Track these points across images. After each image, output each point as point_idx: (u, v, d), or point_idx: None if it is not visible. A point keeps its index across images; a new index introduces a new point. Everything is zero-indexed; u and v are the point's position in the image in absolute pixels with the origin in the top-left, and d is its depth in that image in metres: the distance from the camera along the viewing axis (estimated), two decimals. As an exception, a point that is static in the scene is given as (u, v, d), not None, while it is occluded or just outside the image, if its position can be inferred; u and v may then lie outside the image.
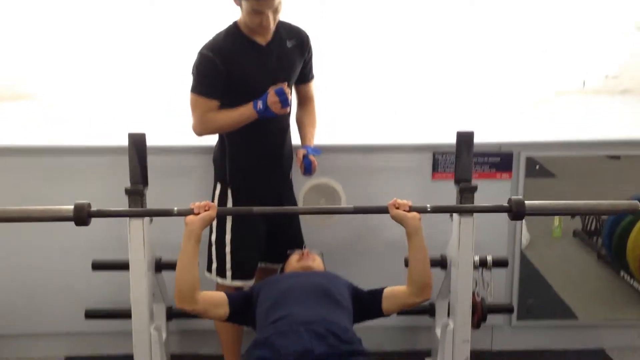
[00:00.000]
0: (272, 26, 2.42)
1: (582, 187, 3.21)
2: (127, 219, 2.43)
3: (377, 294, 2.32)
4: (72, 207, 2.17)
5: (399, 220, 2.28)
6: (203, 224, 2.22)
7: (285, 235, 2.75)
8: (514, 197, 2.29)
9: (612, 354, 3.13)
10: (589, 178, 3.13)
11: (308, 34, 2.63)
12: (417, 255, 2.29)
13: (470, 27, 3.67)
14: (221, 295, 2.27)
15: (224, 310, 2.24)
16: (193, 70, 2.48)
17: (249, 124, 2.50)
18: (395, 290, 2.32)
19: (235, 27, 2.50)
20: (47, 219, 2.25)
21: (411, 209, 2.28)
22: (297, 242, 2.76)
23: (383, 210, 2.31)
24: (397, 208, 2.28)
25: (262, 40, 2.49)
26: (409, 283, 2.29)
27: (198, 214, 2.21)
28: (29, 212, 2.25)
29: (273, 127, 2.57)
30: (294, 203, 2.78)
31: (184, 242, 2.21)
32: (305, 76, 2.68)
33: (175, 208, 2.26)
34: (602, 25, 3.73)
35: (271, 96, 2.43)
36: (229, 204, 2.60)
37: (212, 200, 2.65)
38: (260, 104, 2.44)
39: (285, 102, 2.43)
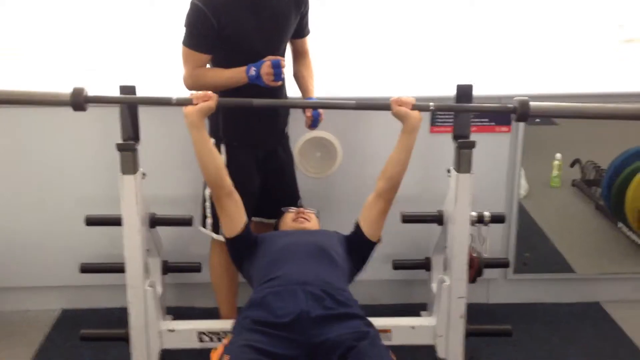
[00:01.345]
0: None
1: (584, 135, 3.18)
2: (120, 174, 2.41)
3: (356, 226, 2.35)
4: (69, 92, 2.18)
5: (400, 116, 2.27)
6: (201, 114, 2.19)
7: (280, 190, 2.72)
8: (517, 97, 2.24)
9: (606, 307, 3.14)
10: (591, 126, 3.08)
11: None
12: (402, 152, 2.29)
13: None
14: (244, 213, 2.30)
15: (241, 227, 2.27)
16: (185, 21, 2.40)
17: None
18: (364, 208, 2.35)
19: None
20: (45, 103, 2.33)
21: (414, 107, 2.26)
22: (292, 196, 2.74)
23: (386, 107, 2.28)
24: (400, 105, 2.26)
25: None
26: (380, 180, 2.32)
27: (197, 104, 2.19)
28: (28, 94, 2.28)
29: None
30: (290, 157, 2.75)
31: (190, 132, 2.20)
32: (300, 31, 2.60)
33: (174, 97, 2.22)
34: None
35: (266, 67, 2.34)
36: (223, 159, 2.54)
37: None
38: (253, 71, 2.36)
39: (278, 77, 2.35)
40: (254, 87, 2.39)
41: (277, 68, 2.34)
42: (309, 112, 2.50)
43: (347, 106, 2.37)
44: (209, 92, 2.22)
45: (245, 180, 2.58)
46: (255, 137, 2.58)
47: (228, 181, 2.25)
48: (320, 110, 2.51)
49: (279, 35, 2.49)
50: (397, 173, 2.30)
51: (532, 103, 2.23)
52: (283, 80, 2.50)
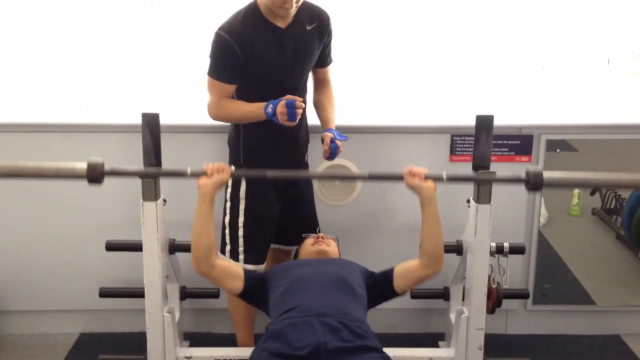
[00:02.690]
0: (295, 9, 2.34)
1: (605, 164, 3.15)
2: (141, 201, 2.43)
3: (388, 274, 2.30)
4: (85, 164, 2.18)
5: (413, 188, 2.24)
6: (215, 187, 2.21)
7: (299, 217, 2.72)
8: (531, 168, 2.22)
9: (627, 339, 3.10)
10: (612, 155, 3.06)
11: (329, 15, 2.53)
12: (430, 226, 2.24)
13: (493, 6, 3.57)
14: (238, 269, 2.28)
15: (239, 284, 2.24)
16: (210, 52, 2.41)
17: None
18: (407, 266, 2.28)
19: (254, 7, 2.41)
20: (60, 176, 2.27)
21: (427, 178, 2.24)
22: (311, 224, 2.74)
23: (398, 177, 2.26)
24: (414, 176, 2.24)
25: (281, 24, 2.41)
26: (421, 255, 2.26)
27: (211, 175, 2.20)
28: (42, 168, 2.26)
29: None
30: (310, 185, 2.76)
31: (198, 204, 2.21)
32: (323, 60, 2.61)
33: (189, 169, 2.25)
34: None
35: (281, 106, 2.34)
36: (243, 187, 2.56)
37: (226, 184, 2.61)
38: (270, 108, 2.37)
39: (292, 117, 2.35)
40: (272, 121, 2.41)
41: (291, 108, 2.33)
42: (327, 145, 2.51)
43: (360, 177, 2.46)
44: (223, 165, 2.24)
45: (265, 208, 2.60)
46: (276, 166, 2.58)
47: (213, 258, 2.21)
48: (339, 142, 2.51)
49: (302, 66, 2.50)
50: (433, 247, 2.24)
51: (545, 174, 2.18)
52: (304, 112, 2.51)
